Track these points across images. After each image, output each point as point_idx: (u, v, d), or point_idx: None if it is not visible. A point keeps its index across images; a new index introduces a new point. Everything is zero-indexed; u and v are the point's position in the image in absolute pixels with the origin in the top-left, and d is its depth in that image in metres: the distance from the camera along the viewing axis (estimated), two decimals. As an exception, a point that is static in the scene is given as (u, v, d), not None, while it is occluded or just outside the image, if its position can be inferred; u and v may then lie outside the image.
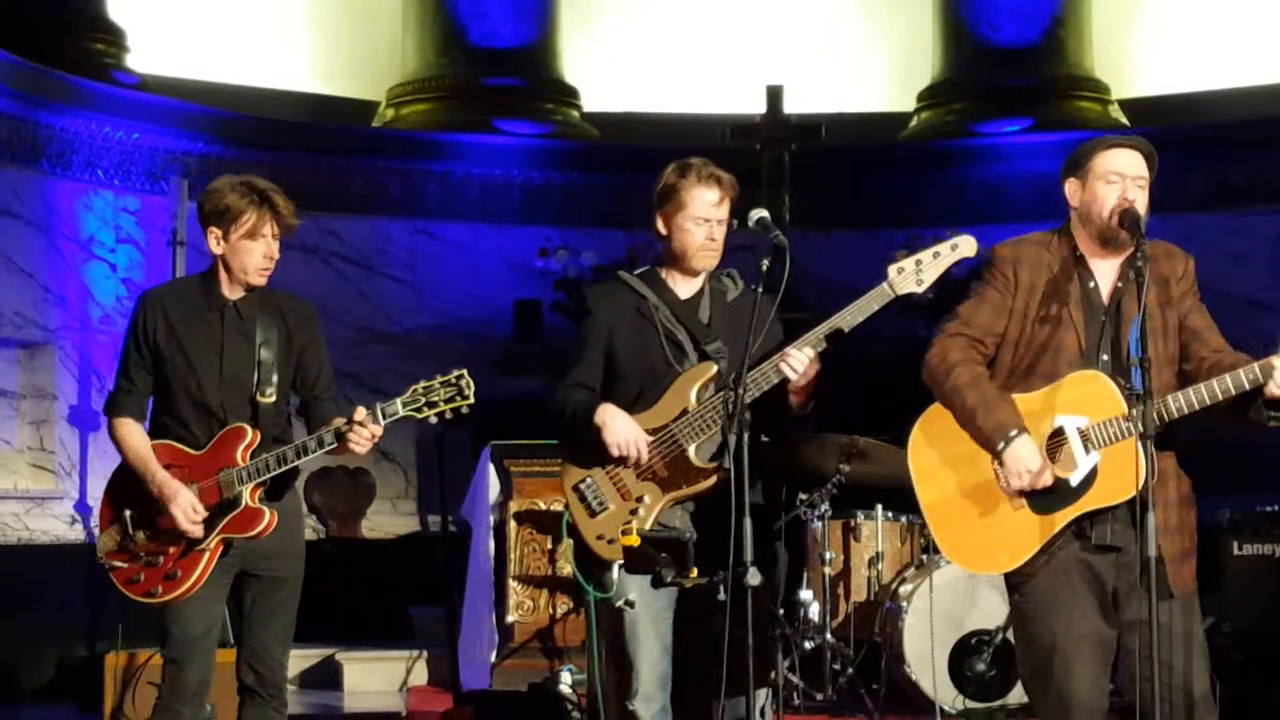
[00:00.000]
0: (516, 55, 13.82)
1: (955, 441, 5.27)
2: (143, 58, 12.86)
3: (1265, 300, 12.21)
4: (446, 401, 5.68)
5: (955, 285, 12.68)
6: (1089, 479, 5.08)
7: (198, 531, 5.73)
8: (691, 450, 5.58)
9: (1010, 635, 8.10)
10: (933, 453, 5.35)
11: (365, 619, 10.84)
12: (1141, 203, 5.22)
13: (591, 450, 5.65)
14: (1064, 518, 5.11)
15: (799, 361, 5.47)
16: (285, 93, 13.79)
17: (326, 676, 10.13)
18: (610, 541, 5.58)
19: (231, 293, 5.90)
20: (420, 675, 9.97)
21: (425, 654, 10.01)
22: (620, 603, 5.55)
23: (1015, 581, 5.24)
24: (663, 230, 5.78)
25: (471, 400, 5.69)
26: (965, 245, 5.58)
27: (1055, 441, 5.14)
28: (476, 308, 13.26)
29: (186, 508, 5.72)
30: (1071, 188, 5.31)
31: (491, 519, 9.21)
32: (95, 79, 12.16)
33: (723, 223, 5.71)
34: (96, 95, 12.07)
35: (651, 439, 5.59)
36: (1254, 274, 12.36)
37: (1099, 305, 5.21)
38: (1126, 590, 5.13)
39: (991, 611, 8.18)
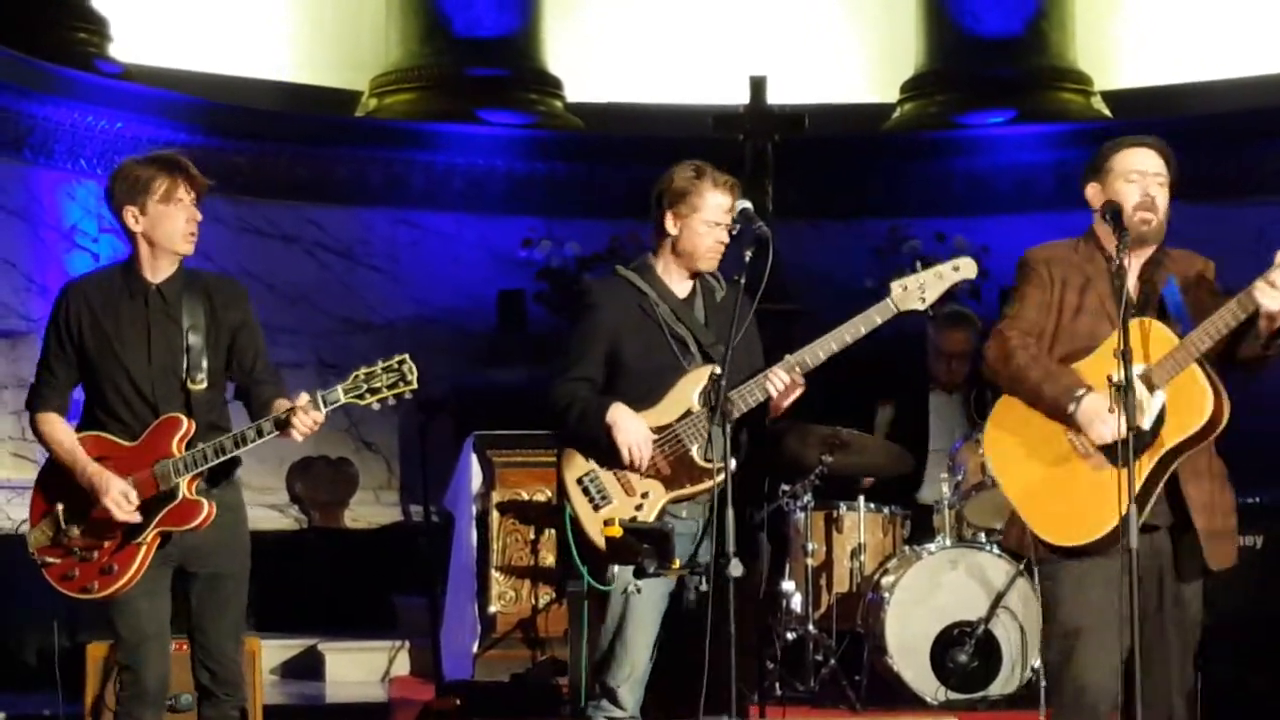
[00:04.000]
0: (500, 45, 13.80)
1: (1028, 428, 5.31)
2: (126, 47, 12.83)
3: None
4: (389, 388, 5.62)
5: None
6: (1160, 420, 5.11)
7: (134, 518, 5.61)
8: (695, 450, 5.65)
9: (992, 627, 8.15)
10: (1009, 444, 5.39)
11: (347, 609, 10.84)
12: (1162, 199, 5.31)
13: (597, 446, 5.68)
14: (1148, 461, 5.12)
15: (780, 381, 5.63)
16: (268, 82, 13.76)
17: (308, 667, 10.12)
18: None
19: (155, 275, 5.77)
20: (403, 665, 9.96)
21: (408, 644, 10.00)
22: (629, 587, 5.59)
23: (1044, 566, 5.29)
24: (671, 228, 5.82)
25: (415, 385, 5.63)
26: (966, 267, 5.80)
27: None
28: (459, 298, 13.25)
29: (119, 498, 5.60)
30: (1093, 191, 5.38)
31: (474, 509, 9.21)
32: (78, 68, 12.14)
33: (728, 228, 5.78)
34: (79, 84, 12.05)
35: (656, 437, 5.65)
36: (1236, 268, 12.30)
37: (1129, 301, 5.23)
38: (1168, 567, 5.20)
39: (974, 603, 8.19)
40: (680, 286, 5.86)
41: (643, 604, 5.64)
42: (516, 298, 12.98)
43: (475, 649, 9.02)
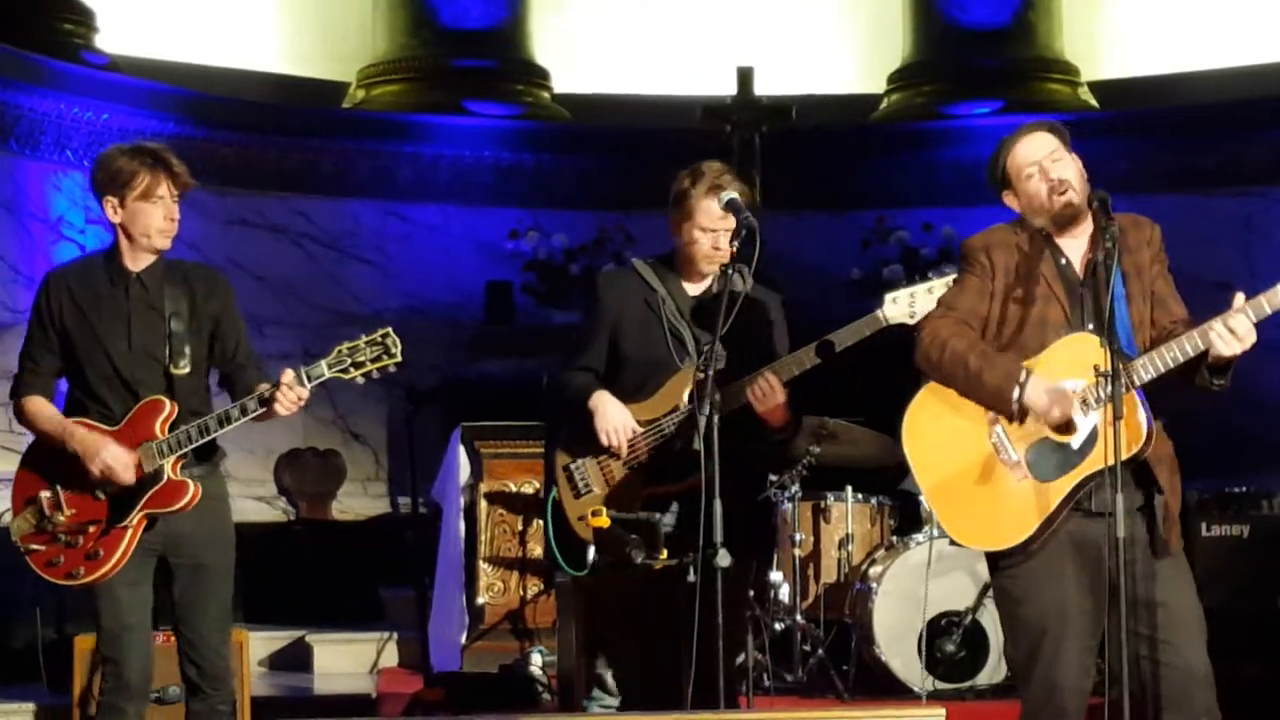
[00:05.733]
0: (487, 36, 13.78)
1: (950, 421, 5.24)
2: (112, 38, 12.80)
3: (1234, 284, 12.21)
4: (373, 361, 5.59)
5: (925, 265, 12.80)
6: (1089, 441, 5.05)
7: (130, 476, 5.63)
8: (678, 446, 5.66)
9: (979, 617, 8.16)
10: (929, 436, 5.31)
11: (335, 601, 10.83)
12: (1069, 172, 5.23)
13: (585, 434, 5.72)
14: (1068, 482, 5.07)
15: (759, 388, 5.61)
16: (255, 73, 13.73)
17: (297, 658, 10.12)
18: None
19: (135, 264, 5.81)
20: (391, 657, 9.96)
21: (396, 636, 10.00)
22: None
23: (1002, 562, 5.20)
24: (673, 233, 5.89)
25: (399, 359, 5.60)
26: None
27: None
28: (447, 290, 13.24)
29: (117, 454, 5.63)
30: (1010, 200, 5.34)
31: (462, 500, 9.21)
32: (64, 59, 12.11)
33: (729, 231, 5.75)
34: (66, 75, 12.01)
35: (641, 430, 5.68)
36: (1223, 258, 12.35)
37: (1074, 279, 5.22)
38: (1134, 555, 5.09)
39: (961, 593, 8.20)
40: (694, 285, 5.91)
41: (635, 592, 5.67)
42: (504, 289, 12.96)
43: (463, 640, 9.02)
